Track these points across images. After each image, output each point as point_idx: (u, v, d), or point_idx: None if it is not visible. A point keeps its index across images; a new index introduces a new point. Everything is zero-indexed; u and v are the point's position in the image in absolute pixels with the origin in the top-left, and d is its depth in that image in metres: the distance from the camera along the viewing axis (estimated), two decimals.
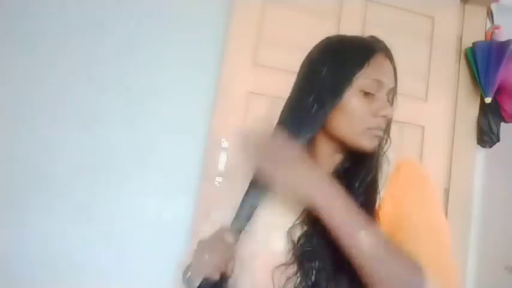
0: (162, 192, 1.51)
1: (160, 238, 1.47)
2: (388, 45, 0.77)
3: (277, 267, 0.67)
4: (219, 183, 1.44)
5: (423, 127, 1.63)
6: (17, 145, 1.45)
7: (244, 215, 0.71)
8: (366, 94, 0.72)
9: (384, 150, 0.77)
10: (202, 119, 1.54)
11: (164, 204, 1.50)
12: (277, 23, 1.57)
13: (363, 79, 0.71)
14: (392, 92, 0.76)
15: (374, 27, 1.60)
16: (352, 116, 0.72)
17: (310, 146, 0.81)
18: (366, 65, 0.72)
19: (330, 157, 0.78)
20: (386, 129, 0.78)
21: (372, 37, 0.78)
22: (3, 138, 1.45)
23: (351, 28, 1.57)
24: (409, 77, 1.62)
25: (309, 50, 0.82)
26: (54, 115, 1.49)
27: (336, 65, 0.74)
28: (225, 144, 1.45)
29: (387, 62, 0.75)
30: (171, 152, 1.53)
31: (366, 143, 0.72)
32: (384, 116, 0.73)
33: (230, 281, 0.74)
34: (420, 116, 1.63)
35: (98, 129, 1.50)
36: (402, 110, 1.48)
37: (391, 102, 0.77)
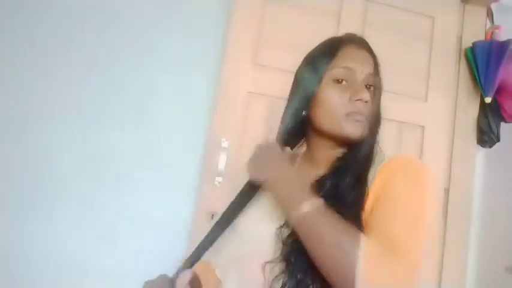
0: (162, 192, 1.51)
1: (160, 238, 1.47)
2: (365, 38, 0.82)
3: (267, 263, 0.70)
4: (219, 183, 1.44)
5: (423, 127, 1.62)
6: (17, 145, 1.45)
7: (196, 255, 0.78)
8: (339, 82, 0.76)
9: (376, 140, 0.79)
10: (202, 119, 1.54)
11: (164, 204, 1.50)
12: (277, 23, 1.56)
13: (332, 69, 0.77)
14: (371, 77, 0.78)
15: (374, 27, 1.60)
16: (329, 105, 0.76)
17: (308, 150, 0.86)
18: (334, 56, 0.77)
19: (325, 157, 0.80)
20: (377, 121, 0.80)
21: (347, 34, 0.83)
22: (3, 138, 1.45)
23: (351, 28, 1.56)
24: (409, 77, 1.62)
25: (308, 50, 0.84)
26: (55, 115, 1.49)
27: (309, 64, 0.81)
28: (225, 144, 1.45)
29: (360, 51, 0.79)
30: (171, 151, 1.53)
31: (349, 129, 0.75)
32: (360, 100, 0.75)
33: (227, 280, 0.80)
34: (420, 116, 1.62)
35: (98, 129, 1.50)
36: (402, 110, 1.49)
37: (372, 87, 0.79)
